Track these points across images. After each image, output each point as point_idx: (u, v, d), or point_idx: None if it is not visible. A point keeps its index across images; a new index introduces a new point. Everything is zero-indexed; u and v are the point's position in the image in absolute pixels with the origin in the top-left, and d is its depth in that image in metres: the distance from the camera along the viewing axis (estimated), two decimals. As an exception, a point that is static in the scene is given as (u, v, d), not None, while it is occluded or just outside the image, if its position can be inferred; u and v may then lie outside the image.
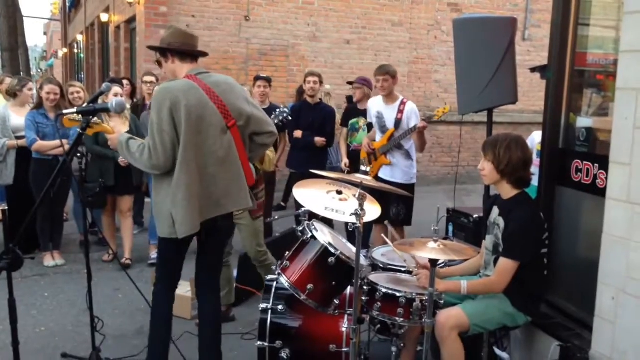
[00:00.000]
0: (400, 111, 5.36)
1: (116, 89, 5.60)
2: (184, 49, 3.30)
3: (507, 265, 3.09)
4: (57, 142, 5.59)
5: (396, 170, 5.45)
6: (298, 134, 6.45)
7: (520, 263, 3.08)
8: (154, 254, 5.95)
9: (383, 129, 5.48)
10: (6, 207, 3.09)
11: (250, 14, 10.35)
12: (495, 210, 3.35)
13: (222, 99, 3.20)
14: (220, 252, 3.64)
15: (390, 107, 5.43)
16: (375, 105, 5.59)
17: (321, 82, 6.63)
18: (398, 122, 5.36)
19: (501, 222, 3.25)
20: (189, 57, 3.33)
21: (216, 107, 3.18)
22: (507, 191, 3.27)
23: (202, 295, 3.55)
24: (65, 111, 3.29)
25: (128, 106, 6.37)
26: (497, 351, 3.80)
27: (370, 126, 5.87)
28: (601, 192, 3.21)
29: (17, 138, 5.95)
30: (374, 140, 5.61)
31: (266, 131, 3.41)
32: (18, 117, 5.97)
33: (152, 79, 7.06)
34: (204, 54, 3.48)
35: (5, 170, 5.98)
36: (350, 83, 7.34)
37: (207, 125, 3.16)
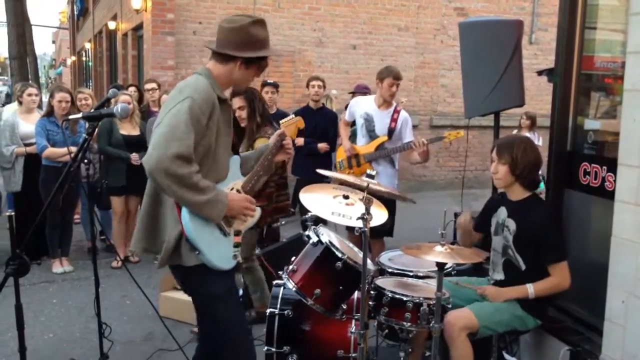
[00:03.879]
0: (394, 120, 5.08)
1: (125, 97, 5.74)
2: None
3: (562, 267, 3.16)
4: (67, 149, 5.63)
5: (381, 178, 4.88)
6: (300, 141, 6.39)
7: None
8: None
9: (371, 133, 5.14)
10: (13, 213, 3.08)
11: (257, 20, 10.36)
12: (504, 211, 3.33)
13: None
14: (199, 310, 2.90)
15: (383, 112, 5.11)
16: (365, 106, 5.21)
17: (324, 87, 6.62)
18: (391, 132, 5.06)
19: (512, 224, 3.24)
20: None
21: None
22: (518, 193, 3.27)
23: None
24: (71, 116, 3.31)
25: (138, 111, 6.43)
26: (507, 356, 3.78)
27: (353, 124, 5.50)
28: (610, 195, 3.19)
29: (26, 145, 5.99)
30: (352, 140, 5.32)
31: None
32: (27, 125, 6.02)
33: (154, 85, 7.14)
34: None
35: (14, 177, 6.01)
36: (352, 94, 7.47)
37: None
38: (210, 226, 2.61)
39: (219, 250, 2.64)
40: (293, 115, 4.06)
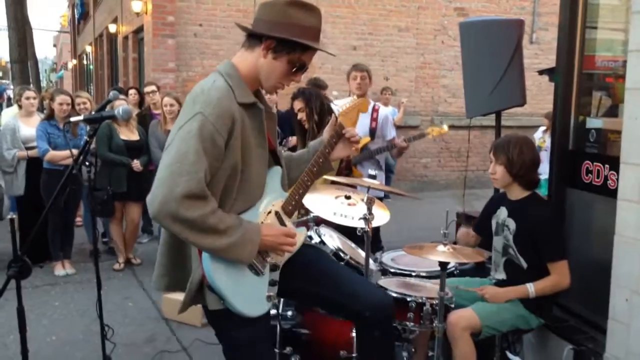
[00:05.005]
0: (374, 119, 4.92)
1: (120, 101, 5.70)
2: None
3: (562, 266, 3.15)
4: (68, 152, 5.63)
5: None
6: (294, 140, 6.35)
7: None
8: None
9: None
10: (15, 217, 3.08)
11: (257, 22, 10.37)
12: (504, 211, 3.33)
13: None
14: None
15: (361, 113, 5.08)
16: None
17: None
18: (372, 132, 4.90)
19: (512, 223, 3.24)
20: None
21: None
22: (517, 193, 3.27)
23: None
24: (72, 119, 3.31)
25: (134, 115, 6.42)
26: (510, 355, 3.77)
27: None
28: (612, 193, 3.18)
29: (27, 149, 5.99)
30: None
31: None
32: (28, 128, 6.02)
33: (153, 87, 7.17)
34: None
35: (16, 180, 6.01)
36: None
37: None
38: (238, 267, 2.16)
39: (250, 295, 2.21)
40: (355, 97, 3.39)
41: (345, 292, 2.44)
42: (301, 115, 4.20)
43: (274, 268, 2.30)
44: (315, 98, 4.25)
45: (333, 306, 2.57)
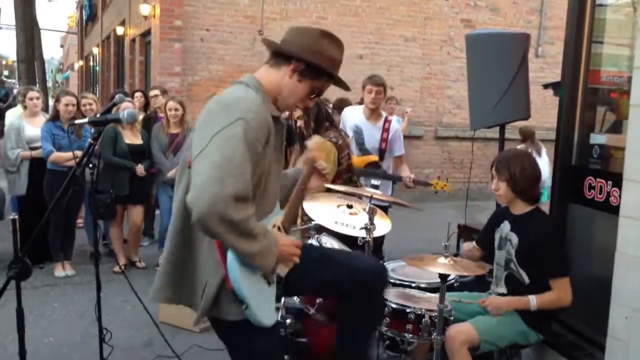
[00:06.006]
0: (386, 129, 4.86)
1: (127, 104, 5.75)
2: None
3: (564, 283, 3.14)
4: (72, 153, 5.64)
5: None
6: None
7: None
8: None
9: (361, 147, 4.94)
10: (17, 217, 3.08)
11: (264, 28, 10.41)
12: (507, 225, 3.33)
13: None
14: None
15: (373, 125, 4.92)
16: (354, 117, 5.01)
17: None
18: (382, 153, 4.85)
19: (514, 237, 3.23)
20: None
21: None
22: (520, 207, 3.27)
23: None
24: (77, 121, 3.31)
25: (140, 118, 6.45)
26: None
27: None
28: (614, 210, 3.17)
29: (31, 149, 6.00)
30: None
31: None
32: (32, 128, 6.03)
33: (156, 92, 7.23)
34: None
35: (19, 180, 6.02)
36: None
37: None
38: (255, 275, 2.19)
39: (266, 304, 2.25)
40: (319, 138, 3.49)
41: (347, 269, 2.57)
42: (300, 124, 4.20)
43: (279, 280, 2.34)
44: (314, 105, 4.23)
45: (337, 286, 2.61)
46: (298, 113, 4.15)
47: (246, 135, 2.02)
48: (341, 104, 6.59)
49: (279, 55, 2.30)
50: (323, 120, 4.09)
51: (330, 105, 5.51)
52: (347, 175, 4.20)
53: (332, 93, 9.81)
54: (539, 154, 7.96)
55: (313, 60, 2.25)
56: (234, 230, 1.97)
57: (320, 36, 2.30)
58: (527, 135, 7.97)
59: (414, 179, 4.71)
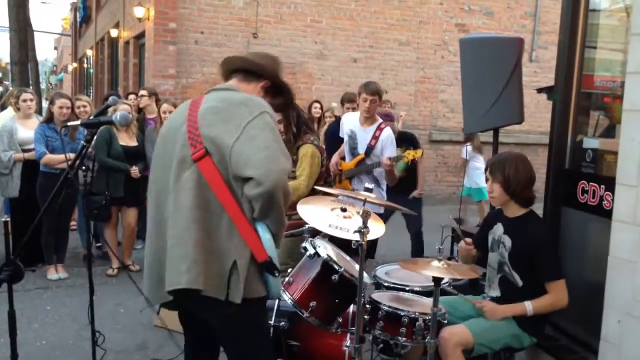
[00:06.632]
0: (375, 137, 4.92)
1: (125, 106, 5.76)
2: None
3: (560, 285, 3.14)
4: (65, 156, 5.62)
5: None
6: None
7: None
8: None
9: (353, 151, 5.07)
10: (8, 219, 3.07)
11: (259, 31, 10.42)
12: (500, 228, 3.33)
13: (198, 120, 2.38)
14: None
15: (365, 129, 4.99)
16: (350, 122, 5.13)
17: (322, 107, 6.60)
18: (370, 149, 4.92)
19: (507, 240, 3.24)
20: (224, 74, 2.72)
21: (186, 131, 2.39)
22: (514, 210, 3.27)
23: None
24: (70, 123, 3.30)
25: (135, 122, 6.43)
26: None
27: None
28: (607, 214, 3.19)
29: (24, 151, 5.97)
30: (343, 159, 5.25)
31: (243, 175, 2.27)
32: (25, 130, 6.00)
33: (143, 92, 7.27)
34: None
35: (11, 182, 5.99)
36: None
37: (168, 155, 2.45)
38: (276, 250, 2.42)
39: (278, 277, 2.45)
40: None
41: None
42: (279, 127, 4.23)
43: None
44: (292, 110, 4.28)
45: None
46: (277, 118, 4.18)
47: (273, 125, 2.37)
48: (351, 97, 6.75)
49: (251, 72, 2.60)
50: (302, 124, 4.25)
51: (345, 114, 5.65)
52: (325, 176, 4.35)
53: (332, 93, 9.85)
54: (481, 153, 8.16)
55: (277, 81, 2.65)
56: (286, 199, 2.31)
57: (277, 62, 2.70)
58: (469, 137, 7.98)
59: (389, 157, 4.76)
